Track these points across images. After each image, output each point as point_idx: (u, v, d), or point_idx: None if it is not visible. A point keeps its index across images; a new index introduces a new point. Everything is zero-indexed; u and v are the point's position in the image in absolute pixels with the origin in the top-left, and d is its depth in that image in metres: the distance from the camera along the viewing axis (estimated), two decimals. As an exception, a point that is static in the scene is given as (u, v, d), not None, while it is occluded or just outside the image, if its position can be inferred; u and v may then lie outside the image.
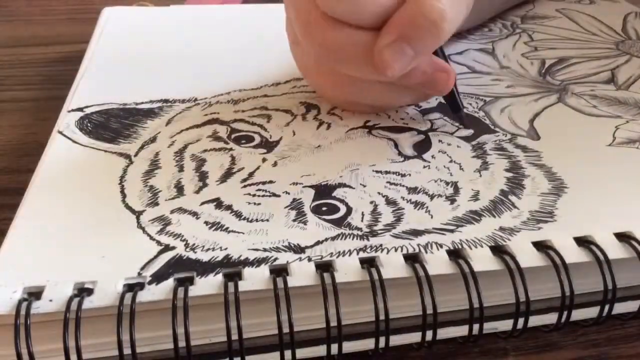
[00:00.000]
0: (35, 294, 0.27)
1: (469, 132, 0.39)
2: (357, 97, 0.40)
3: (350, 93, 0.40)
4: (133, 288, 0.27)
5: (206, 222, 0.32)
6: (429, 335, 0.28)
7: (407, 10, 0.35)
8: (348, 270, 0.28)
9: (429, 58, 0.37)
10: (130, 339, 0.26)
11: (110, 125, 0.40)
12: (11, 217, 0.32)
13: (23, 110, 0.50)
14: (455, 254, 0.29)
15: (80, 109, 0.42)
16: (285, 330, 0.26)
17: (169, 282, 0.27)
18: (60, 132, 0.39)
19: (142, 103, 0.43)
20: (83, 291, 0.27)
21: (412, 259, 0.29)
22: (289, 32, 0.41)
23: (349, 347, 0.28)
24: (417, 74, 0.37)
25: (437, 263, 0.28)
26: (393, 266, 0.28)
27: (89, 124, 0.40)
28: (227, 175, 0.35)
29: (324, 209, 0.32)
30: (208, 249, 0.30)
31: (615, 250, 0.29)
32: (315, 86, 0.43)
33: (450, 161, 0.36)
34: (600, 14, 0.57)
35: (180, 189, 0.34)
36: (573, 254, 0.29)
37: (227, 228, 0.31)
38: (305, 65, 0.41)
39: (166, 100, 0.43)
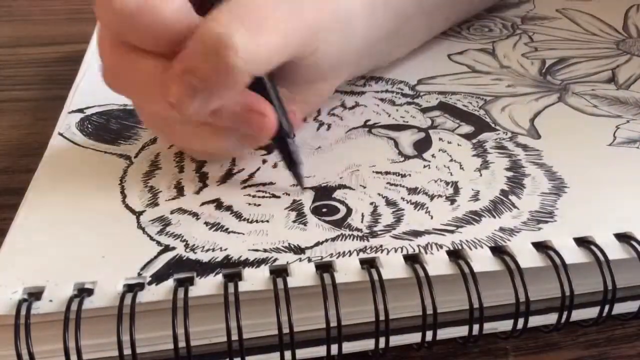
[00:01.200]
0: (35, 295, 0.27)
1: (470, 128, 0.39)
2: (178, 139, 0.36)
3: (169, 134, 0.36)
4: (133, 288, 0.27)
5: (206, 223, 0.32)
6: (429, 335, 0.28)
7: (195, 35, 0.29)
8: (348, 270, 0.28)
9: (243, 95, 0.32)
10: (131, 339, 0.26)
11: (111, 127, 0.40)
12: (11, 217, 0.32)
13: (23, 110, 0.50)
14: (455, 255, 0.29)
15: (80, 110, 0.42)
16: (285, 330, 0.26)
17: (169, 283, 0.27)
18: (61, 134, 0.39)
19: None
20: (83, 291, 0.27)
21: (412, 259, 0.29)
22: None
23: (349, 347, 0.28)
24: (225, 114, 0.32)
25: (437, 264, 0.28)
26: (393, 267, 0.28)
27: (89, 126, 0.40)
28: (228, 176, 0.35)
29: (324, 210, 0.32)
30: (208, 250, 0.30)
31: (615, 251, 0.29)
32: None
33: (451, 160, 0.36)
34: (601, 9, 0.57)
35: (180, 190, 0.34)
36: (573, 255, 0.29)
37: (227, 229, 0.31)
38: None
39: (166, 101, 0.43)
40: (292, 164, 0.34)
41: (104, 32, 0.32)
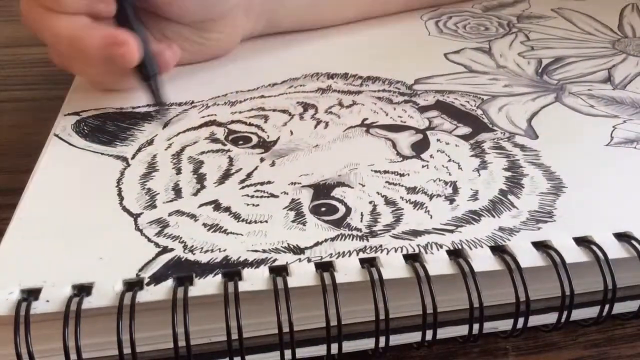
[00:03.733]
0: (32, 295, 0.27)
1: (467, 129, 0.39)
2: (73, 69, 0.42)
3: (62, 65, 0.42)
4: (132, 287, 0.27)
5: (204, 224, 0.32)
6: (429, 335, 0.28)
7: None
8: (348, 270, 0.28)
9: (105, 31, 0.38)
10: (130, 338, 0.26)
11: (107, 129, 0.40)
12: (11, 217, 0.32)
13: (23, 110, 0.50)
14: (456, 254, 0.29)
15: (76, 113, 0.42)
16: (286, 329, 0.26)
17: (168, 283, 0.27)
18: (57, 135, 0.39)
19: (139, 107, 0.42)
20: (82, 291, 0.27)
21: (412, 259, 0.29)
22: None
23: (349, 346, 0.28)
24: (90, 49, 0.38)
25: (438, 263, 0.28)
26: (393, 266, 0.28)
27: (85, 127, 0.40)
28: (225, 176, 0.35)
29: (323, 209, 0.32)
30: (207, 251, 0.30)
31: (615, 250, 0.29)
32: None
33: (449, 160, 0.36)
34: (596, 8, 0.57)
35: (178, 192, 0.34)
36: (573, 254, 0.29)
37: (226, 230, 0.31)
38: None
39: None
40: (157, 102, 0.41)
41: None
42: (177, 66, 0.44)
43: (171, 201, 0.33)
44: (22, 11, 0.40)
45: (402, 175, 0.35)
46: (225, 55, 0.49)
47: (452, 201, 0.33)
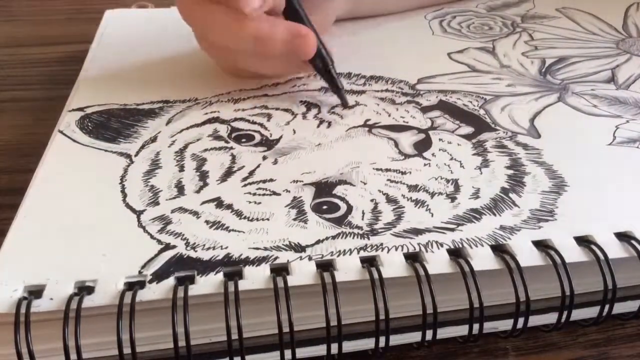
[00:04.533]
0: (35, 293, 0.27)
1: (470, 129, 0.39)
2: (239, 64, 0.44)
3: (229, 61, 0.44)
4: (133, 287, 0.27)
5: (207, 221, 0.32)
6: (429, 334, 0.28)
7: None
8: (348, 269, 0.28)
9: (287, 24, 0.40)
10: (130, 338, 0.26)
11: (111, 125, 0.40)
12: (11, 217, 0.32)
13: (23, 110, 0.50)
14: (456, 253, 0.29)
15: (80, 109, 0.42)
16: (285, 329, 0.26)
17: (170, 281, 0.27)
18: (61, 132, 0.39)
19: (143, 104, 0.43)
20: (83, 289, 0.27)
21: (413, 258, 0.29)
22: None
23: (349, 346, 0.28)
24: (276, 44, 0.40)
25: (438, 262, 0.28)
26: (393, 265, 0.28)
27: (89, 124, 0.40)
28: (228, 174, 0.35)
29: (324, 207, 0.32)
30: (209, 248, 0.30)
31: (616, 250, 0.29)
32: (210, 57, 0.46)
33: (451, 159, 0.36)
34: (601, 8, 0.57)
35: (180, 189, 0.34)
36: (573, 254, 0.29)
37: (228, 227, 0.31)
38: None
39: (167, 101, 0.43)
40: (335, 87, 0.42)
41: None
42: None
43: (174, 198, 0.33)
44: (192, 19, 0.42)
45: (403, 173, 0.35)
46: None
47: (453, 199, 0.33)
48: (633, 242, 0.29)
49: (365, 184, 0.34)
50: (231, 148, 0.37)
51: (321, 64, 0.42)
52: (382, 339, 0.28)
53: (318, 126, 0.40)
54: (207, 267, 0.28)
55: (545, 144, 0.38)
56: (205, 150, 0.37)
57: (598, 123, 0.40)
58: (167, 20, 0.57)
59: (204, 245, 0.30)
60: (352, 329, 0.28)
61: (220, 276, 0.28)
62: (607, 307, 0.29)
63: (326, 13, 0.49)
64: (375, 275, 0.27)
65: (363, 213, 0.32)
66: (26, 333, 0.25)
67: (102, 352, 0.27)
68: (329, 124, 0.40)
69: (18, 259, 0.29)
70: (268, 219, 0.32)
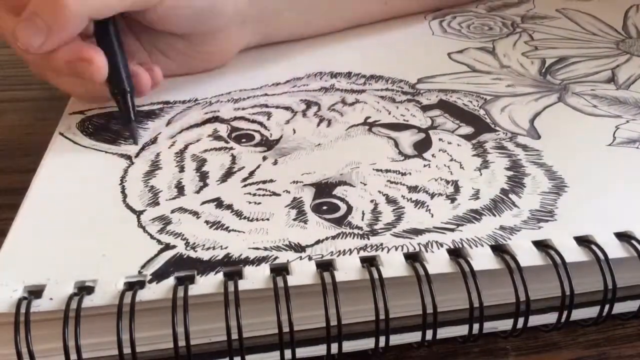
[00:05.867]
0: (35, 293, 0.27)
1: (470, 129, 0.39)
2: (47, 79, 0.41)
3: (38, 74, 0.42)
4: (133, 287, 0.27)
5: (207, 222, 0.32)
6: (429, 334, 0.28)
7: None
8: (348, 269, 0.28)
9: (73, 45, 0.38)
10: (130, 338, 0.26)
11: (111, 127, 0.40)
12: (11, 217, 0.32)
13: (23, 110, 0.50)
14: (456, 253, 0.29)
15: (81, 112, 0.42)
16: (285, 329, 0.26)
17: (170, 281, 0.27)
18: (62, 134, 0.39)
19: (143, 105, 0.42)
20: (83, 289, 0.27)
21: (413, 258, 0.29)
22: None
23: (349, 346, 0.28)
24: (58, 59, 0.38)
25: (438, 262, 0.28)
26: (393, 265, 0.28)
27: (90, 126, 0.40)
28: (228, 174, 0.35)
29: (324, 207, 0.32)
30: (208, 248, 0.30)
31: (616, 250, 0.29)
32: None
33: (451, 160, 0.36)
34: (601, 9, 0.57)
35: (180, 189, 0.34)
36: (573, 254, 0.29)
37: (228, 227, 0.31)
38: None
39: (167, 102, 0.43)
40: (127, 119, 0.39)
41: None
42: (170, 77, 0.44)
43: (174, 198, 0.33)
44: None
45: (403, 174, 0.35)
46: (219, 67, 0.48)
47: (453, 200, 0.33)
48: (633, 242, 0.29)
49: (365, 184, 0.34)
50: (231, 148, 0.37)
51: (116, 89, 0.39)
52: (382, 339, 0.28)
53: (318, 125, 0.40)
54: (207, 267, 0.28)
55: (545, 145, 0.38)
56: (205, 150, 0.37)
57: (598, 123, 0.40)
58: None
59: (204, 245, 0.30)
60: (352, 328, 0.28)
61: (220, 276, 0.28)
62: (607, 307, 0.29)
63: (222, 43, 0.46)
64: (375, 275, 0.27)
65: (363, 213, 0.32)
66: (26, 333, 0.25)
67: (102, 352, 0.27)
68: (329, 122, 0.40)
69: (18, 259, 0.29)
70: (268, 219, 0.32)
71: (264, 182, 0.34)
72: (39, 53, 0.37)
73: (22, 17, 0.36)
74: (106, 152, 0.38)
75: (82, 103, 0.43)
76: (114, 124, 0.40)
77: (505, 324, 0.29)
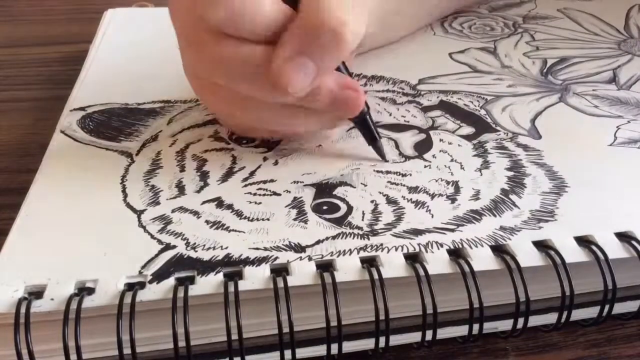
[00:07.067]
0: (36, 293, 0.27)
1: (470, 129, 0.39)
2: (256, 121, 0.36)
3: (246, 116, 0.36)
4: (133, 287, 0.27)
5: (207, 221, 0.32)
6: (429, 335, 0.28)
7: (304, 20, 0.31)
8: (348, 269, 0.28)
9: (335, 75, 0.34)
10: (130, 338, 0.26)
11: (112, 124, 0.40)
12: (12, 217, 0.32)
13: (23, 110, 0.50)
14: (456, 254, 0.29)
15: (82, 109, 0.42)
16: (286, 330, 0.26)
17: (170, 281, 0.27)
18: (62, 132, 0.39)
19: (144, 103, 0.43)
20: (84, 290, 0.27)
21: (413, 258, 0.29)
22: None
23: (349, 347, 0.28)
24: (323, 93, 0.34)
25: (438, 262, 0.28)
26: (393, 266, 0.28)
27: (90, 123, 0.40)
28: (228, 174, 0.35)
29: (324, 207, 0.32)
30: (209, 248, 0.30)
31: (616, 250, 0.29)
32: (209, 109, 0.41)
33: (451, 160, 0.36)
34: (602, 9, 0.57)
35: (181, 189, 0.34)
36: (573, 254, 0.29)
37: (228, 227, 0.31)
38: (195, 87, 0.37)
39: (167, 101, 0.43)
40: (373, 139, 0.37)
41: (190, 31, 0.34)
42: None
43: (174, 198, 0.33)
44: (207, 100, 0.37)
45: (404, 175, 0.35)
46: None
47: (453, 200, 0.33)
48: (633, 242, 0.29)
49: (365, 185, 0.34)
50: (232, 149, 0.37)
51: (361, 117, 0.36)
52: (382, 339, 0.28)
53: (318, 126, 0.40)
54: (207, 267, 0.28)
55: (545, 145, 0.38)
56: (206, 151, 0.37)
57: (599, 123, 0.40)
58: (167, 19, 0.57)
59: (204, 245, 0.30)
60: (352, 329, 0.28)
61: (220, 276, 0.28)
62: (607, 307, 0.29)
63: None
64: (375, 276, 0.27)
65: (363, 214, 0.32)
66: (26, 333, 0.25)
67: (102, 352, 0.27)
68: (330, 122, 0.40)
69: (19, 259, 0.29)
70: (268, 219, 0.32)
71: (265, 182, 0.34)
72: (295, 96, 0.33)
73: (284, 56, 0.31)
74: (107, 149, 0.38)
75: (82, 100, 0.43)
76: (115, 120, 0.40)
77: (505, 324, 0.29)
